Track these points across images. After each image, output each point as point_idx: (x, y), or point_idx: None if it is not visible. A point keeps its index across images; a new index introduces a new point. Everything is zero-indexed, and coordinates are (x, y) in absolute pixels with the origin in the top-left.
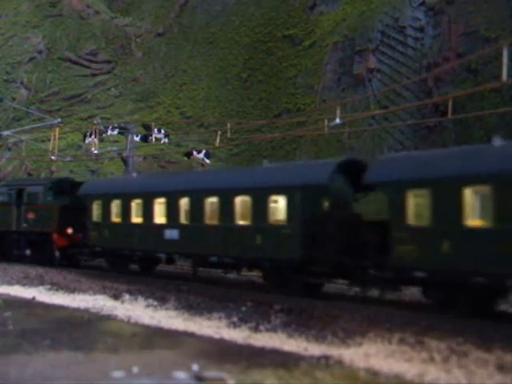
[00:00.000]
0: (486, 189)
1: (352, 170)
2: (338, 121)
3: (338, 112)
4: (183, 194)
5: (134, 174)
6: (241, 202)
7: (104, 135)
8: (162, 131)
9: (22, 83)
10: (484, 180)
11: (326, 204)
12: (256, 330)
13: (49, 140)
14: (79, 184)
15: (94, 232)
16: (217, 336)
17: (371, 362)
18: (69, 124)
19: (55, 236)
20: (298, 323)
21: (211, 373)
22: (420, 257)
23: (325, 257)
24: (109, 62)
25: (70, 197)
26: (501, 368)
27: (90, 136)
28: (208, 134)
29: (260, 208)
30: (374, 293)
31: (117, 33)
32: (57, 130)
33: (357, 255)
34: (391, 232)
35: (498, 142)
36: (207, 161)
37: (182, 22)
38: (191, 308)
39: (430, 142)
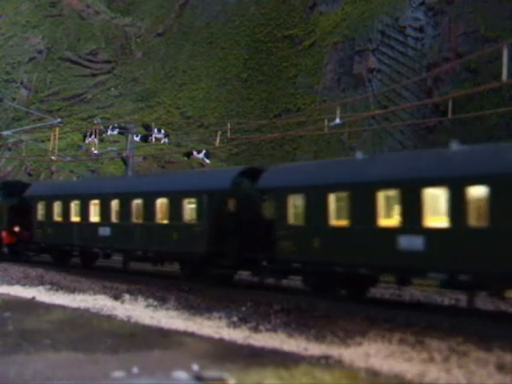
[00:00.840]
0: (344, 195)
1: (259, 176)
2: (338, 121)
3: (338, 112)
4: (114, 196)
5: (74, 178)
6: (161, 203)
7: (104, 135)
8: (162, 131)
9: (21, 83)
10: (343, 188)
11: (231, 206)
12: (256, 330)
13: (49, 140)
14: (27, 186)
15: (39, 230)
16: (217, 336)
17: (371, 361)
18: (69, 124)
19: (4, 234)
20: (297, 323)
21: (211, 373)
22: (297, 251)
23: (228, 251)
24: (109, 61)
25: (17, 198)
26: (501, 368)
27: (90, 136)
28: (208, 134)
29: (176, 209)
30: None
31: (117, 33)
32: (57, 130)
33: (255, 250)
34: (276, 230)
35: (359, 155)
36: (207, 161)
37: (182, 21)
38: (191, 308)
39: (429, 142)
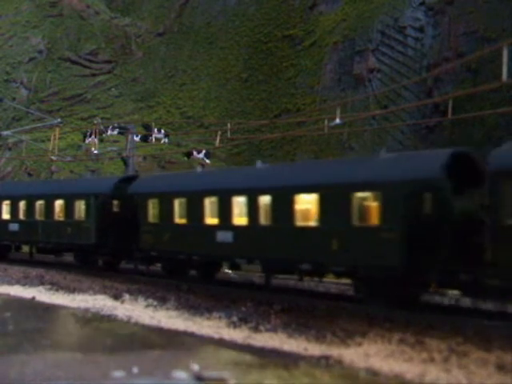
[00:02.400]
0: (184, 200)
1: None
2: (338, 121)
3: (338, 112)
4: (21, 198)
5: None
6: (58, 204)
7: (104, 135)
8: (162, 131)
9: (21, 83)
10: (183, 195)
11: (113, 206)
12: (256, 329)
13: (49, 140)
14: None
15: None
16: (217, 336)
17: (371, 361)
18: (69, 124)
19: None
20: (297, 323)
21: (211, 373)
22: (154, 243)
23: (109, 243)
24: (109, 61)
25: None
26: (501, 368)
27: (90, 136)
28: (208, 134)
29: (69, 208)
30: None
31: (117, 33)
32: (57, 130)
33: (129, 242)
34: (140, 226)
35: (259, 164)
36: (207, 161)
37: (182, 21)
38: (191, 308)
39: (429, 142)
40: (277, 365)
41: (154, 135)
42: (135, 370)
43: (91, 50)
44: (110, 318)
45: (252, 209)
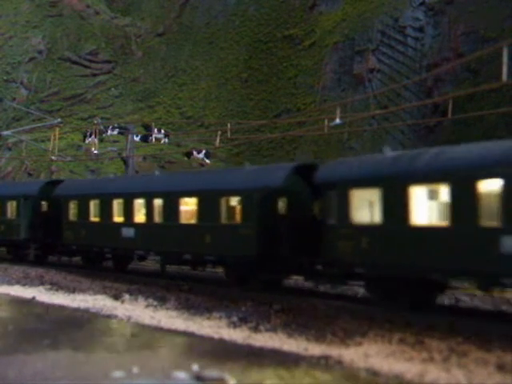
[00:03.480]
0: (97, 202)
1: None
2: (338, 121)
3: (338, 112)
4: None
5: None
6: (8, 204)
7: (104, 135)
8: (162, 131)
9: (21, 83)
10: (97, 197)
11: (43, 206)
12: (256, 330)
13: (49, 140)
14: None
15: None
16: (217, 336)
17: (371, 361)
18: (69, 124)
19: None
20: (297, 323)
21: (211, 373)
22: (74, 238)
23: (38, 238)
24: (109, 61)
25: None
26: (501, 368)
27: (90, 136)
28: (208, 133)
29: (3, 208)
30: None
31: (117, 33)
32: (57, 130)
33: (54, 237)
34: (62, 224)
35: (157, 172)
36: (207, 161)
37: (182, 21)
38: (191, 308)
39: (429, 142)
40: (277, 365)
41: (154, 135)
42: (135, 369)
43: (91, 50)
44: (110, 318)
45: (149, 209)
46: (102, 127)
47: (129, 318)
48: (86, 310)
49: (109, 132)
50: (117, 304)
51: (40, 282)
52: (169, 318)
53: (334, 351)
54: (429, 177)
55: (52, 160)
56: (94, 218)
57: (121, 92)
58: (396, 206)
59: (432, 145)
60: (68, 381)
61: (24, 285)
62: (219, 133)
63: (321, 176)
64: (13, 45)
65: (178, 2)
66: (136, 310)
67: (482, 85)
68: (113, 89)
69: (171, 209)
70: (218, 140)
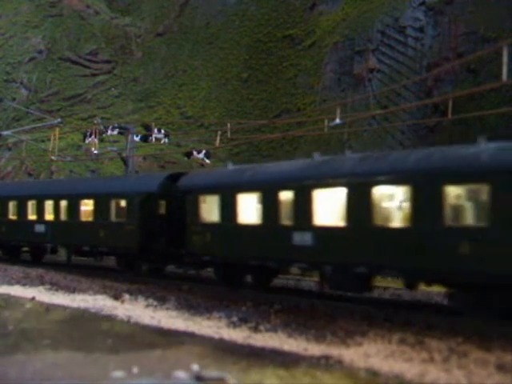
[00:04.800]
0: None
1: None
2: (338, 121)
3: (338, 112)
4: None
5: None
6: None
7: (104, 135)
8: (162, 131)
9: (21, 83)
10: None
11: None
12: (256, 330)
13: (49, 140)
14: None
15: None
16: (217, 336)
17: (371, 361)
18: (69, 124)
19: None
20: (297, 323)
21: (211, 373)
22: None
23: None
24: (109, 61)
25: None
26: (501, 368)
27: (90, 136)
28: (208, 133)
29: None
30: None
31: (117, 33)
32: (57, 130)
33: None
34: None
35: (62, 178)
36: (207, 161)
37: (182, 21)
38: (191, 308)
39: (429, 142)
40: (277, 365)
41: (153, 135)
42: (135, 369)
43: (91, 50)
44: (110, 318)
45: (56, 208)
46: (101, 127)
47: (129, 318)
48: (86, 310)
49: (109, 132)
50: (117, 304)
51: (40, 281)
52: (169, 318)
53: (334, 351)
54: (248, 187)
55: (52, 160)
56: (12, 216)
57: (121, 92)
58: (230, 208)
59: (432, 145)
60: (68, 381)
61: (24, 285)
62: (219, 133)
63: (182, 183)
64: (13, 45)
65: (178, 2)
66: (136, 310)
67: (482, 85)
68: (113, 89)
69: (73, 209)
70: (217, 140)
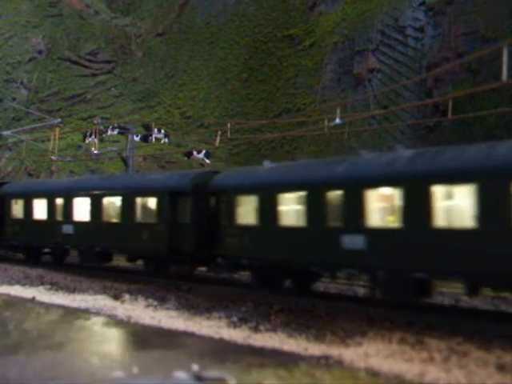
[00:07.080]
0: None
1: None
2: (338, 121)
3: (338, 112)
4: None
5: None
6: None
7: (104, 135)
8: (162, 131)
9: (21, 83)
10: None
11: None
12: (256, 330)
13: (49, 140)
14: None
15: None
16: (217, 336)
17: (371, 362)
18: (69, 124)
19: None
20: (297, 323)
21: (211, 373)
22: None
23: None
24: (109, 62)
25: None
26: (501, 368)
27: (90, 136)
28: (208, 133)
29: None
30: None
31: (117, 33)
32: (57, 130)
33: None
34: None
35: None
36: (207, 161)
37: (182, 21)
38: (191, 308)
39: (429, 142)
40: (277, 365)
41: (153, 135)
42: (135, 369)
43: (91, 50)
44: (110, 318)
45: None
46: (101, 127)
47: (129, 318)
48: (86, 310)
49: (109, 132)
50: (117, 304)
51: (40, 281)
52: (169, 318)
53: (334, 351)
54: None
55: (52, 160)
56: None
57: (121, 92)
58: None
59: (432, 145)
60: (68, 381)
61: (24, 285)
62: (219, 133)
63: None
64: (13, 45)
65: (178, 2)
66: (136, 310)
67: (482, 85)
68: (113, 89)
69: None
70: (217, 140)
